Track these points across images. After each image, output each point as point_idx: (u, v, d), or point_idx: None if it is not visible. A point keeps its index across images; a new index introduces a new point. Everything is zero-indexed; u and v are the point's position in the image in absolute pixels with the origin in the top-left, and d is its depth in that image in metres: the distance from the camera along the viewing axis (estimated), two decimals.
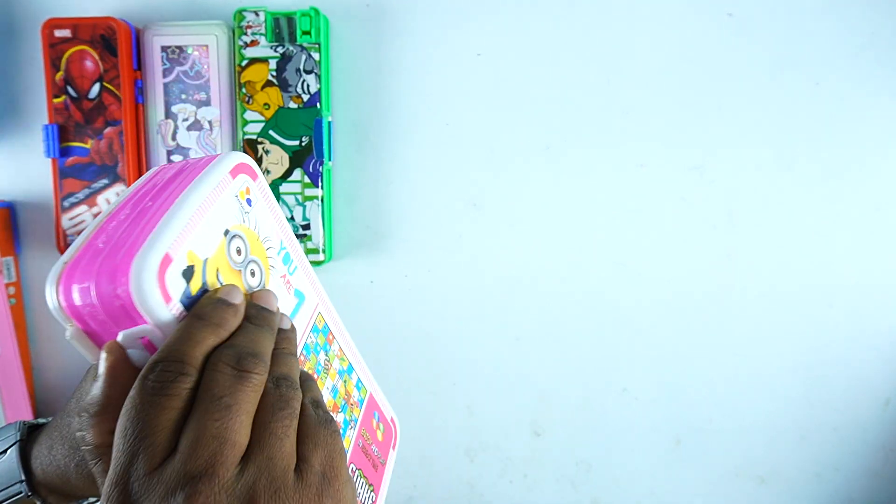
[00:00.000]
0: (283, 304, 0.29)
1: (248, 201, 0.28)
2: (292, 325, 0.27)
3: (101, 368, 0.23)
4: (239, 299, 0.25)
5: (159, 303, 0.23)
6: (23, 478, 0.30)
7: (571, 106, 0.57)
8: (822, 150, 0.56)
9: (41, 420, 0.34)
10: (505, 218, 0.58)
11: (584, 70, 0.57)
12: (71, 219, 0.58)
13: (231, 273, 0.26)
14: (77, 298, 0.23)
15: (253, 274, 0.28)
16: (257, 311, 0.26)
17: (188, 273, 0.24)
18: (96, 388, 0.23)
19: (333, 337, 0.33)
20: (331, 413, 0.26)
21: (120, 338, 0.23)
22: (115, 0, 0.59)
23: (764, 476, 0.60)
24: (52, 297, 0.24)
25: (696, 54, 0.56)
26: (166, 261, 0.23)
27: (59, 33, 0.55)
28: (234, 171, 0.28)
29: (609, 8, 0.56)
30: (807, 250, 0.57)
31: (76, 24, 0.55)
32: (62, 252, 0.58)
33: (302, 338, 0.30)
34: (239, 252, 0.27)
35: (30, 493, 0.30)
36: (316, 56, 0.55)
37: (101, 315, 0.23)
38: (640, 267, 0.58)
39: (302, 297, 0.31)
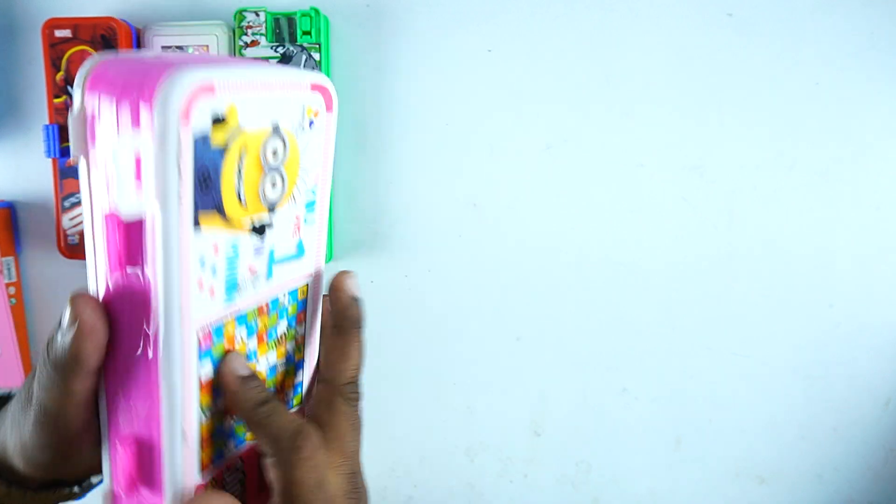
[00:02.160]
0: (284, 245, 0.27)
1: (311, 123, 0.26)
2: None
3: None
4: (245, 370, 0.27)
5: (176, 121, 0.20)
6: None
7: (571, 106, 0.57)
8: (822, 150, 0.56)
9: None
10: (505, 218, 0.59)
11: (585, 70, 0.57)
12: (71, 219, 0.58)
13: (254, 166, 0.24)
14: (101, 90, 0.21)
15: (273, 185, 0.25)
16: (348, 310, 0.31)
17: (218, 121, 0.22)
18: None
19: (304, 319, 0.30)
20: None
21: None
22: (116, 0, 0.59)
23: (764, 476, 0.60)
24: (79, 78, 0.22)
25: (696, 54, 0.56)
26: (208, 88, 0.21)
27: (59, 33, 0.55)
28: (315, 86, 0.26)
29: (609, 8, 0.56)
30: (807, 250, 0.57)
31: (76, 24, 0.55)
32: (63, 252, 0.58)
33: (279, 291, 0.28)
34: (274, 155, 0.25)
35: None
36: (316, 56, 0.55)
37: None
38: (640, 267, 0.58)
39: (301, 252, 0.28)
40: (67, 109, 0.56)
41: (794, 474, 0.60)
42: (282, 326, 0.28)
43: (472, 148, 0.58)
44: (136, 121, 0.21)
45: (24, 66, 0.60)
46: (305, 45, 0.55)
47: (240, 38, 0.56)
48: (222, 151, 0.22)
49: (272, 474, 0.26)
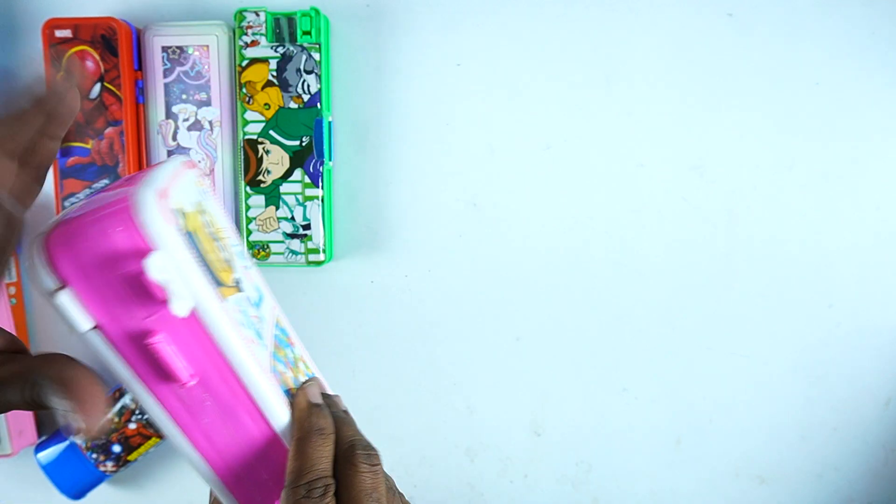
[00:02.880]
0: (252, 292, 0.30)
1: (204, 192, 0.29)
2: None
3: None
4: (319, 397, 0.29)
5: (164, 225, 0.22)
6: None
7: (571, 106, 0.57)
8: (822, 149, 0.56)
9: None
10: (505, 218, 0.59)
11: (584, 70, 0.57)
12: None
13: (207, 240, 0.26)
14: (71, 249, 0.22)
15: (223, 249, 0.28)
16: (333, 401, 0.31)
17: (179, 214, 0.24)
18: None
19: (293, 342, 0.33)
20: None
21: (149, 271, 0.22)
22: (116, 0, 0.59)
23: (764, 476, 0.60)
24: (37, 254, 0.22)
25: (696, 54, 0.56)
26: (163, 194, 0.24)
27: (59, 33, 0.55)
28: (187, 164, 0.29)
29: (609, 8, 0.56)
30: (807, 250, 0.57)
31: (77, 25, 0.55)
32: None
33: (270, 331, 0.31)
34: (210, 225, 0.27)
35: None
36: (316, 56, 0.55)
37: (98, 261, 0.22)
38: (640, 267, 0.58)
39: (261, 295, 0.31)
40: None
41: (794, 474, 0.60)
42: (289, 353, 0.31)
43: (472, 148, 0.58)
44: (133, 251, 0.22)
45: (24, 66, 0.60)
46: (305, 45, 0.55)
47: (240, 38, 0.56)
48: (192, 235, 0.25)
49: None
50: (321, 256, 0.57)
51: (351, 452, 0.28)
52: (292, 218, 0.57)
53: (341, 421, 0.29)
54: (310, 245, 0.57)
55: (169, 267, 0.22)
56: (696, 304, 0.58)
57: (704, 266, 0.58)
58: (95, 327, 0.23)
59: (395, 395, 0.62)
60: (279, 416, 0.27)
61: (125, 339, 0.23)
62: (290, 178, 0.57)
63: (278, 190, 0.56)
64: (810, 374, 0.58)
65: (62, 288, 0.22)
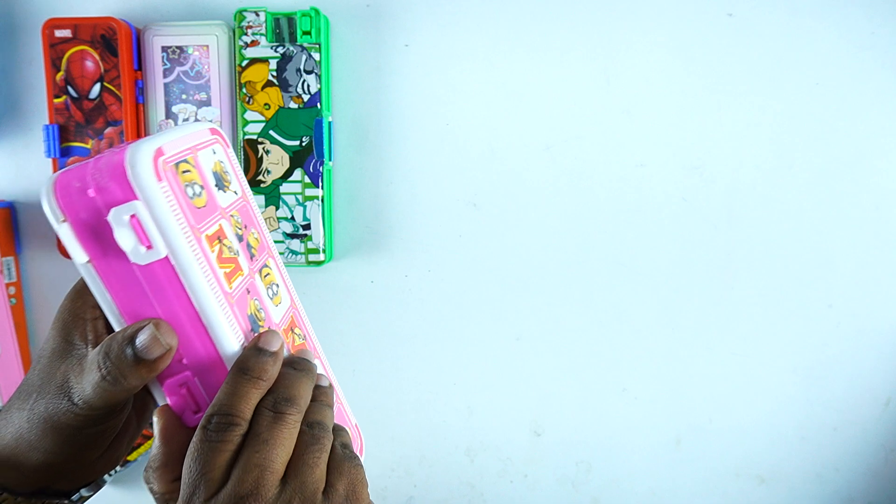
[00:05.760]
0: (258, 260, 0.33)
1: (225, 158, 0.32)
2: (330, 383, 0.33)
3: (156, 430, 0.28)
4: (276, 346, 0.29)
5: (150, 178, 0.25)
6: None
7: (571, 106, 0.57)
8: (822, 150, 0.56)
9: None
10: (505, 218, 0.59)
11: (584, 70, 0.57)
12: None
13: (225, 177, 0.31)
14: (72, 183, 0.26)
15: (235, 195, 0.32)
16: (298, 359, 0.31)
17: (182, 167, 0.28)
18: (155, 448, 0.29)
19: (305, 333, 0.36)
20: (356, 452, 0.32)
21: (110, 215, 0.25)
22: (116, 0, 0.59)
23: (764, 476, 0.60)
24: (47, 191, 0.26)
25: (696, 54, 0.56)
26: (159, 151, 0.26)
27: (59, 33, 0.55)
28: (212, 131, 0.32)
29: (609, 8, 0.56)
30: (807, 250, 0.57)
31: (77, 25, 0.55)
32: (63, 253, 0.58)
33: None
34: (220, 184, 0.31)
35: None
36: (316, 56, 0.55)
37: (92, 200, 0.25)
38: (640, 267, 0.58)
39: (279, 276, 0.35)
40: (68, 109, 0.56)
41: (794, 474, 0.60)
42: (298, 333, 0.36)
43: (472, 148, 0.58)
44: (120, 193, 0.26)
45: (24, 66, 0.60)
46: (305, 45, 0.55)
47: (240, 38, 0.56)
48: (191, 187, 0.29)
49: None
50: (321, 256, 0.57)
51: (276, 402, 0.28)
52: (292, 218, 0.57)
53: (289, 376, 0.30)
54: (310, 245, 0.57)
55: (141, 218, 0.25)
56: (695, 304, 0.58)
57: (704, 266, 0.58)
58: (89, 261, 0.27)
59: (395, 395, 0.62)
60: (230, 348, 0.29)
61: (111, 275, 0.27)
62: (290, 178, 0.56)
63: (278, 190, 0.56)
64: (810, 374, 0.58)
65: (64, 221, 0.26)
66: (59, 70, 0.56)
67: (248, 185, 0.34)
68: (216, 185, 0.30)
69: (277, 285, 0.34)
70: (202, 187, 0.29)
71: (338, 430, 0.32)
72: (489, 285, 0.59)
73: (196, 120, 0.60)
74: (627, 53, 0.56)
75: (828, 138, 0.56)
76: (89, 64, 0.56)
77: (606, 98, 0.57)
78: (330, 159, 0.57)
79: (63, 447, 0.29)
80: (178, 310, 0.27)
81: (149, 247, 0.26)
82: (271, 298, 0.33)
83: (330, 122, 0.57)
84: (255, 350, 0.29)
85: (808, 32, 0.55)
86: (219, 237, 0.29)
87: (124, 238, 0.25)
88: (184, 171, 0.28)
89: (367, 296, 0.60)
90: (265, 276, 0.33)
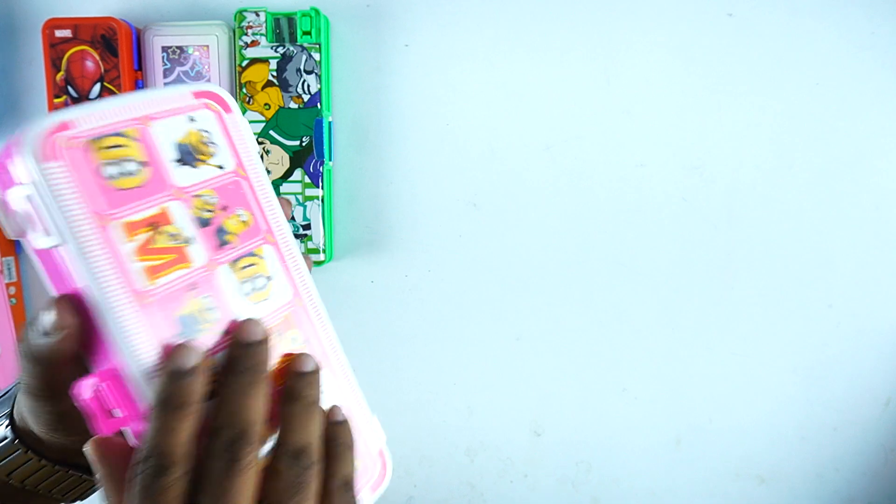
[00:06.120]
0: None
1: (213, 129, 0.29)
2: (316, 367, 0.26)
3: (92, 459, 0.24)
4: (193, 361, 0.23)
5: (32, 158, 0.23)
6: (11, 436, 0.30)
7: (571, 106, 0.57)
8: (822, 150, 0.56)
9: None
10: (505, 218, 0.59)
11: (584, 70, 0.57)
12: None
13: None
14: None
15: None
16: (239, 354, 0.24)
17: (107, 141, 0.25)
18: (97, 476, 0.24)
19: (309, 340, 0.31)
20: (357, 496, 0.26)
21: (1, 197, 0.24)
22: (116, 0, 0.59)
23: (764, 476, 0.60)
24: None
25: (696, 54, 0.56)
26: (63, 126, 0.24)
27: (59, 33, 0.55)
28: (196, 94, 0.28)
29: (609, 8, 0.56)
30: (807, 250, 0.57)
31: (77, 25, 0.55)
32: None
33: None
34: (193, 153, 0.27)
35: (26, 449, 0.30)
36: (316, 56, 0.55)
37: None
38: (640, 267, 0.58)
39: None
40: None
41: (794, 474, 0.60)
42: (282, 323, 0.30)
43: (472, 148, 0.58)
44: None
45: (24, 66, 0.60)
46: (305, 45, 0.55)
47: (240, 38, 0.56)
48: (116, 165, 0.26)
49: None
50: (321, 256, 0.57)
51: (231, 442, 0.22)
52: (292, 218, 0.57)
53: (239, 399, 0.23)
54: (310, 245, 0.57)
55: (33, 202, 0.23)
56: (695, 305, 0.58)
57: (704, 266, 0.58)
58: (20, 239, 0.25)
59: (395, 395, 0.62)
60: (124, 357, 0.24)
61: (33, 252, 0.25)
62: (291, 178, 0.56)
63: (278, 190, 0.56)
64: (810, 374, 0.58)
65: None
66: (59, 70, 0.56)
67: (256, 159, 0.30)
68: (178, 160, 0.27)
69: (268, 278, 0.29)
70: (142, 164, 0.25)
71: (337, 458, 0.25)
72: (489, 285, 0.59)
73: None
74: (627, 53, 0.56)
75: (828, 138, 0.56)
76: (89, 64, 0.56)
77: (606, 98, 0.57)
78: (330, 159, 0.57)
79: (58, 430, 0.28)
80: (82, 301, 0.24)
81: (45, 232, 0.23)
82: (248, 294, 0.28)
83: (330, 122, 0.57)
84: (166, 374, 0.23)
85: (808, 32, 0.55)
86: (153, 223, 0.25)
87: (7, 221, 0.24)
88: (109, 147, 0.25)
89: (367, 296, 0.60)
90: (243, 267, 0.28)
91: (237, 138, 0.29)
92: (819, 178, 0.56)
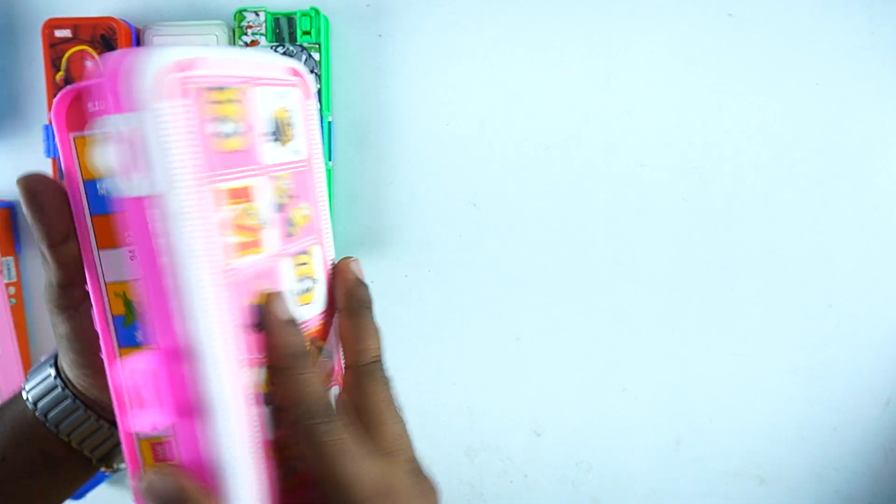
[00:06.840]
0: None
1: (297, 107, 0.26)
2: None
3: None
4: (290, 314, 0.24)
5: (147, 91, 0.19)
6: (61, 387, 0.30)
7: (571, 106, 0.57)
8: (822, 150, 0.56)
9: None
10: (505, 218, 0.59)
11: (584, 70, 0.57)
12: None
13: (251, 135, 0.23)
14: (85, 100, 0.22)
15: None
16: (355, 291, 0.30)
17: (221, 95, 0.22)
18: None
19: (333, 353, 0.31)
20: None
21: (92, 125, 0.22)
22: (116, 0, 0.59)
23: (764, 476, 0.60)
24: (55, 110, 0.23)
25: (696, 54, 0.56)
26: (182, 65, 0.20)
27: (59, 33, 0.55)
28: (291, 71, 0.26)
29: (609, 8, 0.56)
30: (807, 250, 0.57)
31: (76, 25, 0.55)
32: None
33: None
34: (275, 127, 0.25)
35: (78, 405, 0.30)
36: (316, 56, 0.55)
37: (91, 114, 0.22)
38: (640, 267, 0.58)
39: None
40: None
41: (794, 474, 0.60)
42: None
43: (472, 148, 0.58)
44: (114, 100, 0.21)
45: (24, 66, 0.60)
46: (305, 45, 0.55)
47: (240, 38, 0.56)
48: (225, 121, 0.24)
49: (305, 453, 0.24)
50: None
51: (302, 417, 0.24)
52: None
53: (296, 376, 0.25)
54: None
55: (137, 140, 0.20)
56: (695, 304, 0.58)
57: (704, 266, 0.58)
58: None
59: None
60: (197, 337, 0.21)
61: (106, 197, 0.24)
62: None
63: None
64: (810, 374, 0.58)
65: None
66: (59, 70, 0.56)
67: (321, 154, 0.27)
68: (270, 134, 0.24)
69: (314, 281, 0.27)
70: (242, 129, 0.23)
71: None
72: (489, 285, 0.59)
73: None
74: (627, 53, 0.56)
75: (828, 138, 0.56)
76: (89, 64, 0.56)
77: (606, 98, 0.57)
78: (330, 159, 0.57)
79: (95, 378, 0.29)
80: (153, 265, 0.20)
81: (144, 176, 0.20)
82: (297, 294, 0.26)
83: (330, 122, 0.57)
84: (286, 325, 0.23)
85: (808, 32, 0.55)
86: (242, 196, 0.22)
87: (100, 151, 0.22)
88: (221, 102, 0.22)
89: None
90: (300, 264, 0.26)
91: (312, 127, 0.27)
92: (819, 177, 0.56)
